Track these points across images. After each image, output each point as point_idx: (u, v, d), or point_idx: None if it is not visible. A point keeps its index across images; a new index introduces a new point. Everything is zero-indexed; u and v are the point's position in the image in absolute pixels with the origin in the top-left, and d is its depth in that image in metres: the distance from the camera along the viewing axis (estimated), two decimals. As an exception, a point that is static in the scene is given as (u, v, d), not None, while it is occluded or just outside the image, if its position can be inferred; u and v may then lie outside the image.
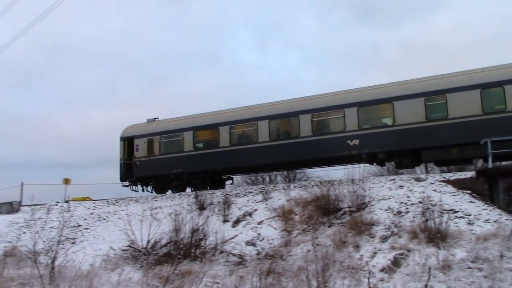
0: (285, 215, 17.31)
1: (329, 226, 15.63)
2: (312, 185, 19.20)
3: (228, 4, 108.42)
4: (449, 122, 19.47)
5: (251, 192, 20.46)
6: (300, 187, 19.68)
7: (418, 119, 20.01)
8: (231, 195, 20.44)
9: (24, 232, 21.28)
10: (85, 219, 21.99)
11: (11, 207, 26.48)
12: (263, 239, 16.30)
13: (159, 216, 18.70)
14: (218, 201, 19.66)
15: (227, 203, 19.03)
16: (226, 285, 9.62)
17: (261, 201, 19.12)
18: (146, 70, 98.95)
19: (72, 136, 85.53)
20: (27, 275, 11.43)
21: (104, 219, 21.58)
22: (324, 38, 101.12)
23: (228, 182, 26.86)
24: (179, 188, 24.90)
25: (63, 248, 14.70)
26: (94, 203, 24.66)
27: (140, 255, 15.32)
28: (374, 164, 22.90)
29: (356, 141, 21.02)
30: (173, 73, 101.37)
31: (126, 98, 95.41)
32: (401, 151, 20.52)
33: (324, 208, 16.27)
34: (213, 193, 20.96)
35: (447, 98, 19.59)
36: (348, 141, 21.13)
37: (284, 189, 19.91)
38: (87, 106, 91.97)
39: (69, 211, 22.57)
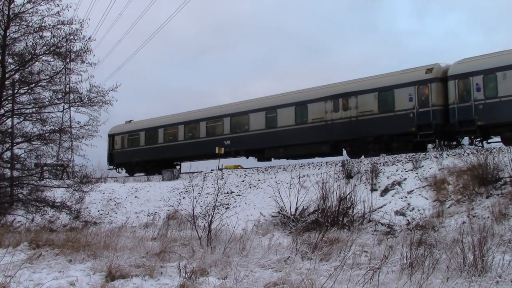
0: (437, 184, 16.59)
1: (487, 197, 14.70)
2: (468, 153, 18.00)
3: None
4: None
5: (400, 161, 19.78)
6: (454, 155, 18.55)
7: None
8: (379, 163, 20.00)
9: (183, 197, 23.16)
10: (237, 186, 23.21)
11: (172, 174, 28.86)
12: (413, 209, 15.81)
13: (306, 184, 19.01)
14: (365, 170, 19.40)
15: (374, 172, 18.72)
16: (374, 254, 9.49)
17: (411, 170, 18.46)
18: (302, 41, 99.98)
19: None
20: (187, 237, 12.40)
21: (254, 186, 22.56)
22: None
23: (177, 167, 34.39)
24: (140, 171, 34.91)
25: (218, 212, 15.75)
26: (245, 171, 25.85)
27: (289, 222, 15.81)
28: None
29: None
30: (328, 43, 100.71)
31: (282, 69, 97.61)
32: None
33: (482, 178, 15.31)
34: (360, 162, 20.70)
35: (277, 112, 26.39)
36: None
37: (436, 157, 18.94)
38: (244, 78, 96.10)
39: (222, 178, 23.98)
